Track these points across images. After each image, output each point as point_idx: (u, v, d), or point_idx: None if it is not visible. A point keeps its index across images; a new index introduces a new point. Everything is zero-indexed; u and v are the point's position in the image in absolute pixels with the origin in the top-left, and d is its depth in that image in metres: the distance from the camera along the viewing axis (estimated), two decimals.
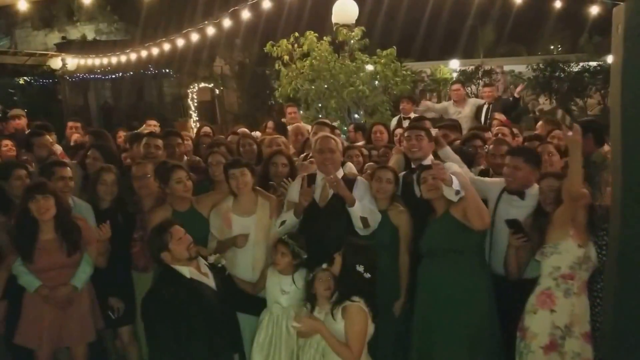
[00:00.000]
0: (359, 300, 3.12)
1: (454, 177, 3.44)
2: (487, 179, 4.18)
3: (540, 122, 6.37)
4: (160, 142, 4.96)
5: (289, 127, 6.31)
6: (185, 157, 5.18)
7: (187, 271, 3.25)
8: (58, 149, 5.14)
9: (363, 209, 3.70)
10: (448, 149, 4.19)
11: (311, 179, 3.89)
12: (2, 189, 4.10)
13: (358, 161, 4.74)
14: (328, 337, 3.10)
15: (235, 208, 3.94)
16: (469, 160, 4.44)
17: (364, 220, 3.68)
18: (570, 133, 3.19)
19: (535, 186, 3.75)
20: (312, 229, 3.76)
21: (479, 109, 7.73)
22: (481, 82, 13.98)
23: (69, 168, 4.17)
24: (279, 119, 7.55)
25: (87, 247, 3.75)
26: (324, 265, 3.35)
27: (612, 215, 2.76)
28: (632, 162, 1.72)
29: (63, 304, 3.66)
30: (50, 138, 5.07)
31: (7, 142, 5.54)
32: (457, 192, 3.43)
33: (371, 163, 4.32)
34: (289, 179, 4.16)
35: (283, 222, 3.80)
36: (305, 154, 4.98)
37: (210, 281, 3.34)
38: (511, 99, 8.06)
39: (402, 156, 4.39)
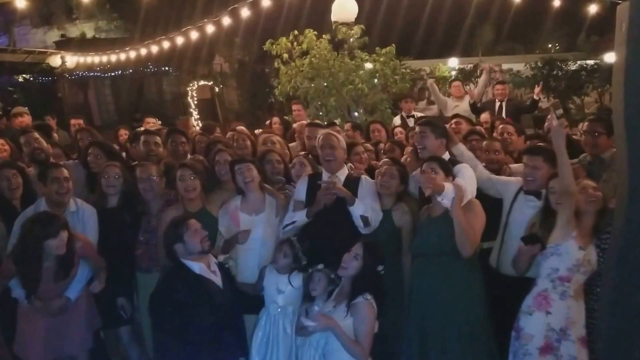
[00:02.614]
0: (370, 297, 3.13)
1: (447, 189, 3.35)
2: (504, 177, 4.07)
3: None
4: (158, 139, 4.92)
5: (295, 125, 6.29)
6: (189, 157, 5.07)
7: (197, 267, 3.27)
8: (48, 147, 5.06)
9: (365, 207, 3.66)
10: (461, 146, 4.08)
11: (316, 178, 3.88)
12: None
13: (363, 158, 4.67)
14: (341, 335, 3.05)
15: (243, 206, 3.91)
16: None
17: (365, 219, 3.65)
18: (554, 122, 3.19)
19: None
20: (318, 228, 3.73)
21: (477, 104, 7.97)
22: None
23: (64, 169, 4.09)
24: (280, 116, 7.56)
25: (88, 260, 3.65)
26: (320, 266, 3.35)
27: (615, 214, 2.67)
28: (637, 159, 1.72)
29: (57, 313, 3.59)
30: (37, 135, 4.98)
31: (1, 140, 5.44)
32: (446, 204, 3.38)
33: (386, 159, 4.12)
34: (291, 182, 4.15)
35: (293, 223, 3.76)
36: (305, 152, 4.96)
37: (217, 279, 3.36)
38: (528, 102, 7.99)
39: None
